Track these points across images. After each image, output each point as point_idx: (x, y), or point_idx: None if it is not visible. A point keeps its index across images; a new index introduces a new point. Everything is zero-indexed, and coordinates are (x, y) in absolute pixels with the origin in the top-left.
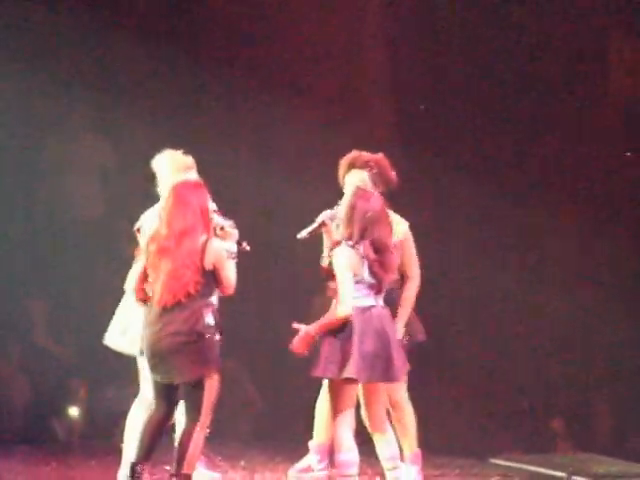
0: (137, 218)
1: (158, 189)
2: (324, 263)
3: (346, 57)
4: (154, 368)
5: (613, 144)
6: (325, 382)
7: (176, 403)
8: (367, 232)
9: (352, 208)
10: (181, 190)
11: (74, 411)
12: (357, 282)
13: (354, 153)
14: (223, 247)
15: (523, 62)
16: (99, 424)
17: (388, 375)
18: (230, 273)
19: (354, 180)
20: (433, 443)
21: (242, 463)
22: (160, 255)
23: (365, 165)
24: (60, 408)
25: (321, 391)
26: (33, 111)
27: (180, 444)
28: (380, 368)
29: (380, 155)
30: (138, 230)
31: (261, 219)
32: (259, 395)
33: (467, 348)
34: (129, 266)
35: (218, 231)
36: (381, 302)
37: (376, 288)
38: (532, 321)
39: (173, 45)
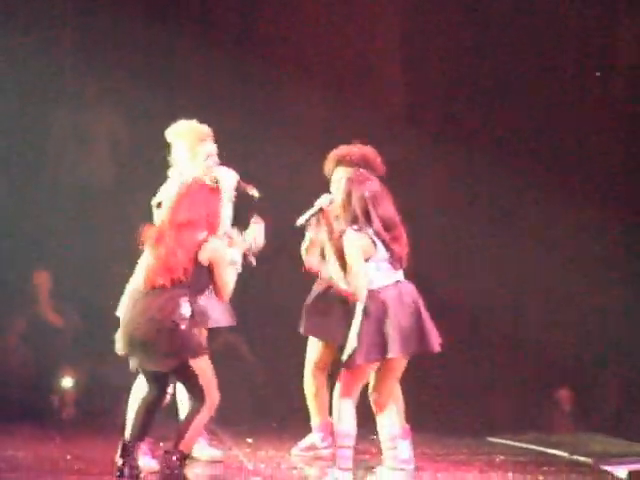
0: (147, 189)
1: (170, 158)
2: (304, 254)
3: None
4: (132, 353)
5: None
6: (309, 364)
7: (167, 384)
8: (371, 212)
9: (348, 194)
10: (194, 187)
11: (77, 386)
12: (377, 262)
13: (342, 150)
14: (225, 251)
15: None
16: (105, 399)
17: (423, 346)
18: (227, 278)
19: (341, 177)
20: (427, 422)
21: (250, 440)
22: (157, 242)
23: (352, 163)
24: (64, 383)
25: (305, 372)
26: (42, 83)
27: (182, 423)
28: (415, 340)
29: (367, 149)
30: (159, 205)
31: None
32: (264, 371)
33: (466, 324)
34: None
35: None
36: (403, 277)
37: (396, 264)
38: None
39: (185, 20)
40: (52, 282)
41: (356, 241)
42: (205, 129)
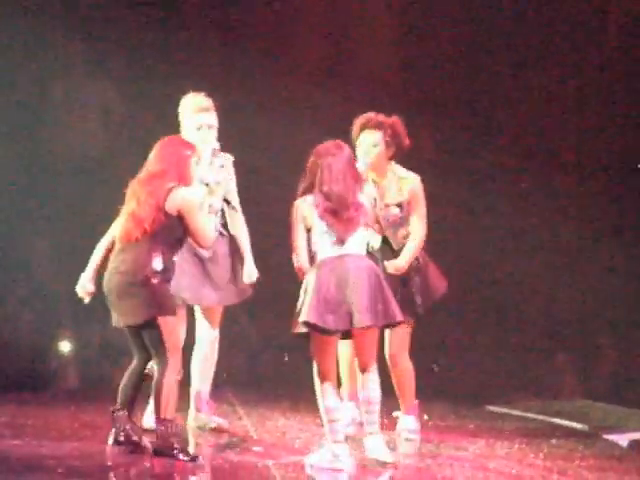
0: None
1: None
2: None
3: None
4: (111, 308)
5: None
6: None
7: (146, 348)
8: (318, 184)
9: (308, 162)
10: (166, 140)
11: (80, 351)
12: (319, 234)
13: (369, 114)
14: (196, 198)
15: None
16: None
17: (360, 320)
18: (201, 225)
19: (367, 141)
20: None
21: (260, 410)
22: (131, 195)
23: (379, 126)
24: (64, 347)
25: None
26: (37, 57)
27: (153, 392)
28: (346, 314)
29: (395, 118)
30: None
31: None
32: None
33: (470, 291)
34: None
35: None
36: (357, 251)
37: (338, 240)
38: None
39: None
40: (53, 250)
41: (294, 212)
42: (200, 101)
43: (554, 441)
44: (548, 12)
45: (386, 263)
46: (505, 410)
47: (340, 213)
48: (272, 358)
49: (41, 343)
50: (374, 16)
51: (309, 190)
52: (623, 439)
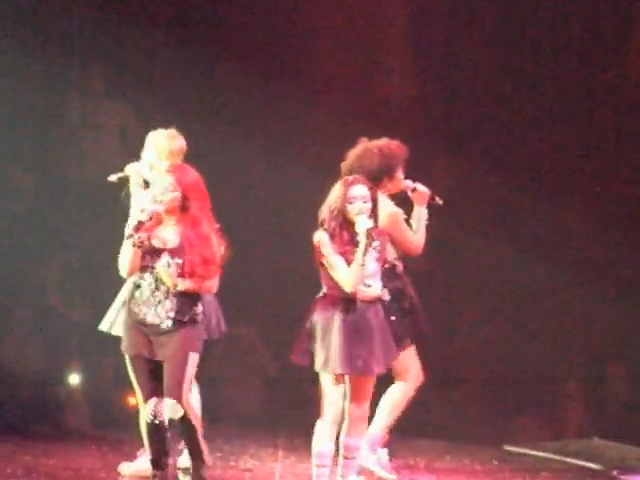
0: None
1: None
2: None
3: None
4: None
5: None
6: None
7: None
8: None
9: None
10: None
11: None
12: None
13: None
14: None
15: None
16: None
17: None
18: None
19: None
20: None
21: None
22: None
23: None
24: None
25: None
26: (51, 73)
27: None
28: None
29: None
30: None
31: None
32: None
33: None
34: None
35: None
36: None
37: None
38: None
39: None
40: (62, 274)
41: None
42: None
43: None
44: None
45: None
46: (522, 450)
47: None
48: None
49: (51, 372)
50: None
51: None
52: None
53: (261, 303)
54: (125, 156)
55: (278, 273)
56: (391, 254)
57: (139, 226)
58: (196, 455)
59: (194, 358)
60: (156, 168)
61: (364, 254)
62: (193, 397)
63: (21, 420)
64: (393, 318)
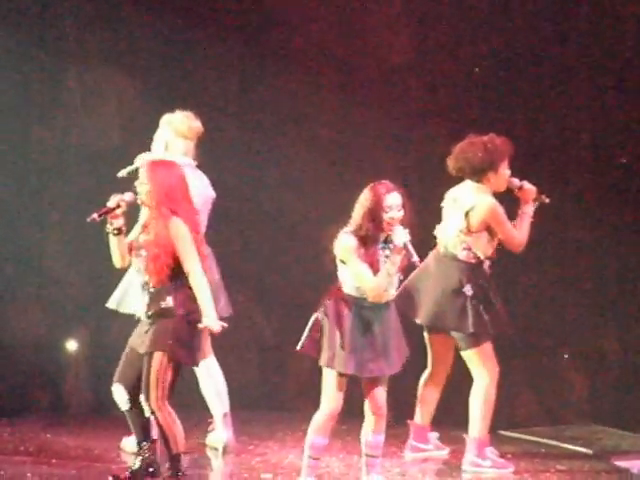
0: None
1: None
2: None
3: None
4: None
5: None
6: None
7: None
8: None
9: None
10: None
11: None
12: None
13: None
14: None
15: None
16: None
17: None
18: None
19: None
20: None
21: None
22: None
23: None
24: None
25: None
26: (50, 47)
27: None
28: None
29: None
30: None
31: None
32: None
33: None
34: None
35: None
36: None
37: None
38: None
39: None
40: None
41: None
42: (190, 130)
43: (566, 466)
44: None
45: None
46: (518, 435)
47: None
48: None
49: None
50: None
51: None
52: (635, 465)
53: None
54: (123, 126)
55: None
56: (481, 251)
57: (106, 211)
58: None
59: (160, 358)
60: (171, 147)
61: (396, 267)
62: (213, 372)
63: (21, 389)
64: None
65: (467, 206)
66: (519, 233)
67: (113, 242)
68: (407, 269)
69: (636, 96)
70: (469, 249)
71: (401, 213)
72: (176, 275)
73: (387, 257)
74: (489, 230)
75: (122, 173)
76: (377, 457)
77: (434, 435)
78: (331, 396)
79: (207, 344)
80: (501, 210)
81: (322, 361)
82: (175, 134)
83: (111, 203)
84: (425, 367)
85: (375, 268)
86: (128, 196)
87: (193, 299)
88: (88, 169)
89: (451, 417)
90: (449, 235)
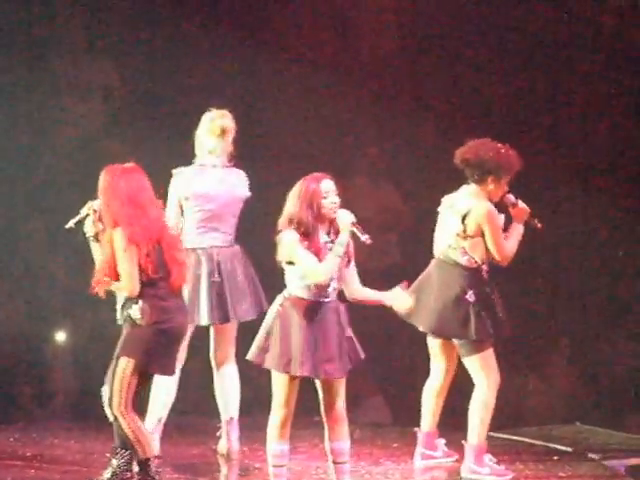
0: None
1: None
2: None
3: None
4: None
5: None
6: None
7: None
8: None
9: None
10: None
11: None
12: None
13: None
14: None
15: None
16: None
17: None
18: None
19: None
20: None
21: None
22: None
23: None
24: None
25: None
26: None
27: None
28: None
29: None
30: None
31: None
32: None
33: None
34: None
35: None
36: None
37: None
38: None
39: None
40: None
41: None
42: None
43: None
44: None
45: None
46: (506, 435)
47: None
48: None
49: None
50: None
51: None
52: (622, 465)
53: None
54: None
55: None
56: (478, 255)
57: (79, 220)
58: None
59: (125, 364)
60: (203, 146)
61: (344, 247)
62: (221, 377)
63: (7, 383)
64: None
65: (463, 210)
66: (508, 245)
67: (92, 247)
68: (358, 251)
69: None
70: (467, 254)
71: (338, 199)
72: (143, 284)
73: (331, 247)
74: (484, 235)
75: (70, 224)
76: (345, 463)
77: (441, 441)
78: (283, 401)
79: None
80: (497, 217)
81: (272, 366)
82: (204, 132)
83: (83, 211)
84: (427, 374)
85: (321, 259)
86: (98, 204)
87: (162, 309)
88: (71, 166)
89: (448, 422)
90: (446, 240)
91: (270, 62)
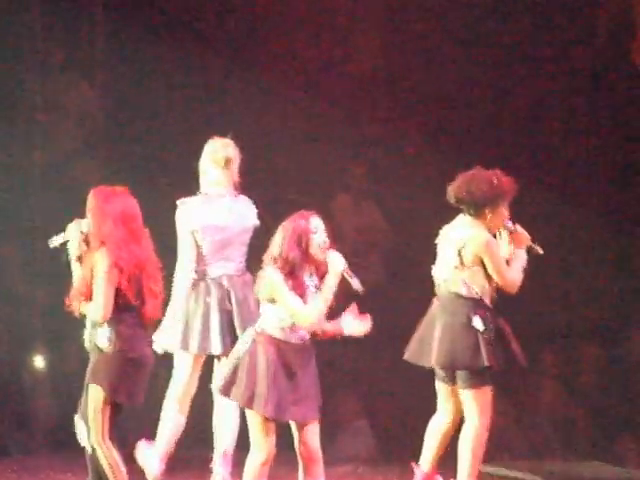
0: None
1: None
2: None
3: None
4: None
5: None
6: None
7: None
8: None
9: None
10: None
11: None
12: None
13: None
14: None
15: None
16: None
17: None
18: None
19: None
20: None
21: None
22: None
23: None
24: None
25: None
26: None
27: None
28: None
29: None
30: None
31: None
32: None
33: None
34: None
35: None
36: None
37: None
38: None
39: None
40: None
41: None
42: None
43: None
44: None
45: None
46: (499, 471)
47: None
48: None
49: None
50: None
51: None
52: None
53: None
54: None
55: None
56: (479, 286)
57: (63, 242)
58: None
59: (96, 392)
60: (207, 175)
61: (332, 291)
62: (230, 415)
63: None
64: None
65: (459, 241)
66: (511, 272)
67: (74, 267)
68: (348, 298)
69: None
70: (467, 285)
71: (327, 239)
72: (118, 308)
73: (317, 288)
74: (484, 265)
75: (55, 243)
76: None
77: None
78: (261, 443)
79: None
80: (495, 245)
81: (239, 400)
82: (208, 162)
83: (69, 231)
84: (429, 412)
85: (305, 300)
86: (85, 226)
87: (129, 337)
88: (52, 188)
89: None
90: (445, 273)
91: (252, 81)
